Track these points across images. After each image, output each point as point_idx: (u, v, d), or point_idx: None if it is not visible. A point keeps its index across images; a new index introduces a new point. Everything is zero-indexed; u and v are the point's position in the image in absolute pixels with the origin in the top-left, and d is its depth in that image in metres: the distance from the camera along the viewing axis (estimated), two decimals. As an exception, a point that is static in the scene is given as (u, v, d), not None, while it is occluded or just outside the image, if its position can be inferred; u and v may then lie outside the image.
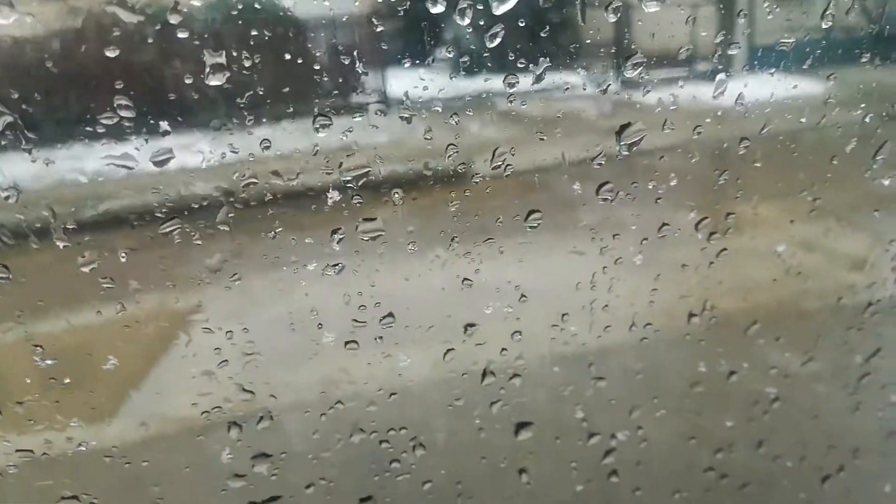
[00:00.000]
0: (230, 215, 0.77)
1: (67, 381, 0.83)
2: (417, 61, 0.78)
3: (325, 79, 0.76)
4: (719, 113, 0.92)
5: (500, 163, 0.84)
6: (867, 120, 1.00)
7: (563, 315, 1.02)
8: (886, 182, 1.09)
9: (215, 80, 0.71)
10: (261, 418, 0.93)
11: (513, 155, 0.85)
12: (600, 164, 0.90)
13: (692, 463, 1.27)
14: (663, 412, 1.17)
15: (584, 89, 0.84)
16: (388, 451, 1.03)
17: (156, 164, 0.73)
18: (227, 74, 0.71)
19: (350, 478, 1.04)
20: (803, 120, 0.96)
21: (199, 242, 0.78)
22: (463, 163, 0.83)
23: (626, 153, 0.88)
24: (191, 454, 0.93)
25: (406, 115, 0.78)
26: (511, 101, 0.81)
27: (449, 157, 0.82)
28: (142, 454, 0.90)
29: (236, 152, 0.75)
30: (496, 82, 0.81)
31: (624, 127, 0.88)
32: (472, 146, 0.85)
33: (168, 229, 0.76)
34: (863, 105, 1.00)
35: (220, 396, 0.89)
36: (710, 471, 1.27)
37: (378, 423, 1.00)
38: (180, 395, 0.89)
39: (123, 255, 0.77)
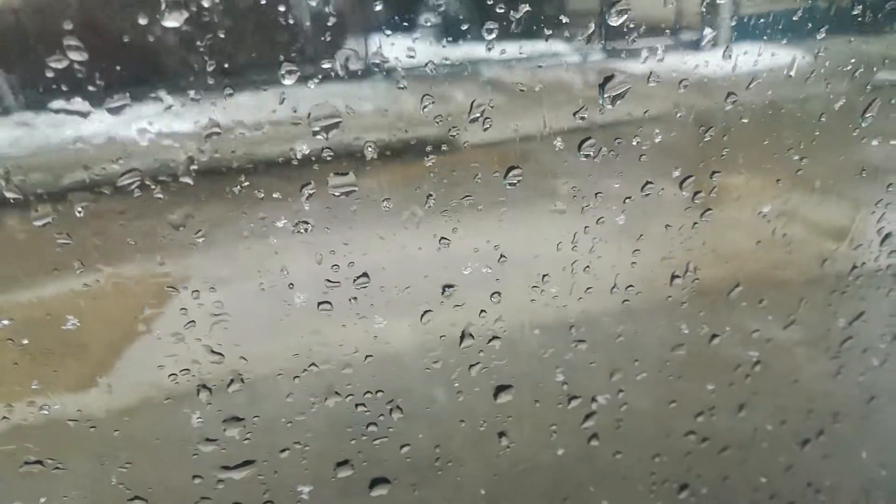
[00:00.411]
0: (192, 167, 0.73)
1: (25, 342, 0.79)
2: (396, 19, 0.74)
3: (291, 23, 0.72)
4: (706, 63, 0.88)
5: (478, 114, 0.80)
6: (857, 75, 0.98)
7: (544, 276, 0.99)
8: (875, 142, 1.07)
9: (172, 21, 0.66)
10: (231, 381, 0.90)
11: (492, 108, 0.81)
12: (583, 118, 0.86)
13: (673, 427, 1.26)
14: (644, 375, 1.16)
15: (567, 35, 0.80)
16: (365, 415, 1.00)
17: (110, 111, 0.68)
18: (185, 15, 0.67)
19: (326, 442, 1.02)
20: (792, 73, 0.93)
21: (160, 196, 0.74)
22: (439, 115, 0.79)
23: (610, 106, 0.85)
24: (159, 418, 0.90)
25: (378, 62, 0.74)
26: (489, 49, 0.77)
27: (424, 108, 0.78)
28: (107, 417, 0.87)
29: (198, 100, 0.71)
30: (475, 35, 0.77)
31: (607, 79, 0.84)
32: (451, 105, 0.81)
33: (126, 182, 0.72)
34: (853, 60, 0.97)
35: (187, 358, 0.86)
36: (691, 434, 1.26)
37: (354, 387, 0.97)
38: (146, 357, 0.86)
39: (80, 210, 0.73)
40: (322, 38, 0.74)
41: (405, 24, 0.74)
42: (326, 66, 0.73)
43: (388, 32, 0.74)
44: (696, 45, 0.90)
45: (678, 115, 0.91)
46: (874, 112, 1.01)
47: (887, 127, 1.05)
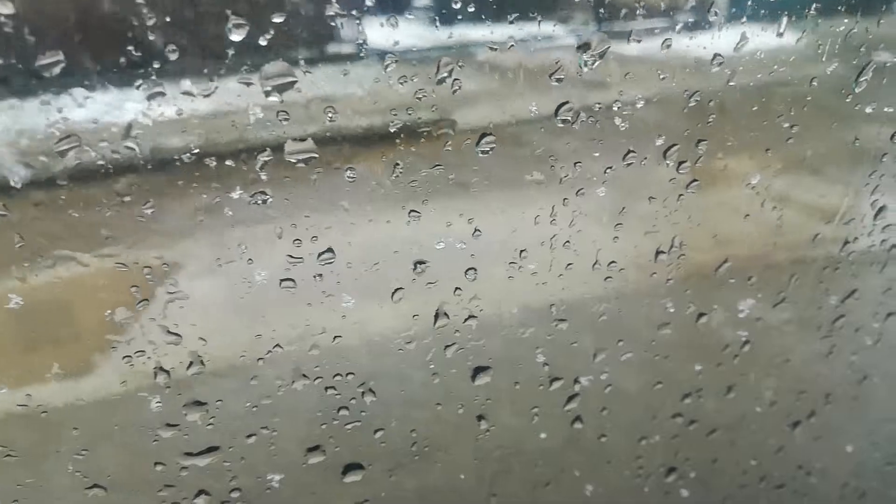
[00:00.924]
0: (135, 132, 0.68)
1: (-37, 322, 0.74)
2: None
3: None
4: (690, 22, 0.83)
5: (445, 74, 0.75)
6: (849, 37, 0.93)
7: (521, 252, 0.95)
8: (869, 110, 1.03)
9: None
10: (190, 363, 0.85)
11: (461, 67, 0.76)
12: (559, 81, 0.81)
13: (659, 409, 1.22)
14: (629, 356, 1.11)
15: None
16: (335, 398, 0.96)
17: (42, 69, 0.63)
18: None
19: (295, 427, 0.98)
20: (782, 31, 0.88)
21: (101, 164, 0.69)
22: (403, 76, 0.74)
23: (588, 68, 0.80)
24: (115, 402, 0.85)
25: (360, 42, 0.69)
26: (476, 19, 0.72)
27: (386, 66, 0.73)
28: (59, 401, 0.82)
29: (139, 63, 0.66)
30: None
31: (586, 43, 0.79)
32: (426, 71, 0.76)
33: (63, 148, 0.67)
34: (845, 21, 0.92)
35: (142, 339, 0.81)
36: (678, 417, 1.22)
37: (322, 369, 0.93)
38: (96, 337, 0.81)
39: (16, 180, 0.68)
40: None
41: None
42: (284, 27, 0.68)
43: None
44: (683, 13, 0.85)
45: (661, 77, 0.86)
46: (867, 77, 0.96)
47: (881, 93, 1.00)
